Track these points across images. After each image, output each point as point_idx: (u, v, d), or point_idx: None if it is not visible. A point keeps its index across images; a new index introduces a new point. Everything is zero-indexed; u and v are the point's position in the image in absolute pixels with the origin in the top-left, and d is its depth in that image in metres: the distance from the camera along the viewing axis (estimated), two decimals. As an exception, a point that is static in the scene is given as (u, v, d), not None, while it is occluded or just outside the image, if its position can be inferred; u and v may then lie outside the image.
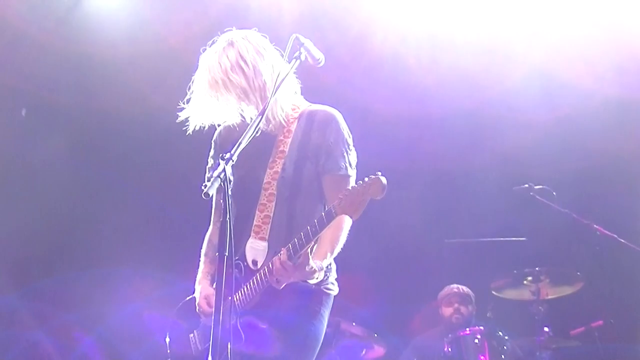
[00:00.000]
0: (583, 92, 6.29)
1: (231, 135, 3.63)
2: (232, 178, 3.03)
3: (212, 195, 3.62)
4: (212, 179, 2.96)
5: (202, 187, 2.92)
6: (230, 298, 3.02)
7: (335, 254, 3.44)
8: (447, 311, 6.67)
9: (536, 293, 6.21)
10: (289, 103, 3.58)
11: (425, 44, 6.31)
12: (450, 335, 6.21)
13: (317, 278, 3.33)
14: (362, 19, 6.23)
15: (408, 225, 7.17)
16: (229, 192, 2.95)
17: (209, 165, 3.77)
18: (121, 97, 6.64)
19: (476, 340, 6.08)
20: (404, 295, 7.20)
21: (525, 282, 6.29)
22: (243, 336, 3.39)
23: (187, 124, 3.59)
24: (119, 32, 6.29)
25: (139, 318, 6.20)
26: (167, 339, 3.79)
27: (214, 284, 3.50)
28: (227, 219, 2.88)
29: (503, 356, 6.06)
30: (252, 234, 3.47)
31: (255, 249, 3.46)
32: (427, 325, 6.89)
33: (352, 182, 3.50)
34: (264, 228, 3.46)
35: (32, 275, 6.86)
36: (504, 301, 6.53)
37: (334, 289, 3.60)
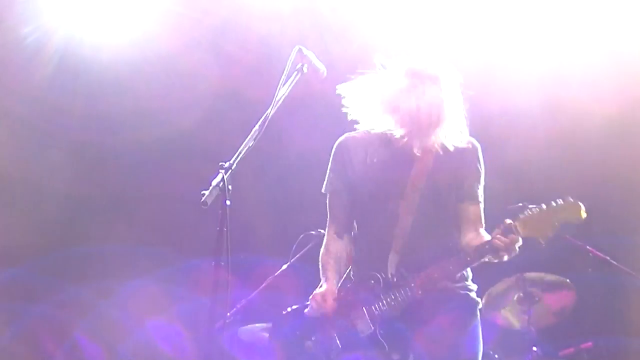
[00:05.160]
0: (583, 112, 6.30)
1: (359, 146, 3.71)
2: (230, 188, 3.03)
3: (334, 206, 3.72)
4: (210, 188, 2.96)
5: (201, 195, 2.92)
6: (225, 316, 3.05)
7: None
8: None
9: (527, 312, 6.20)
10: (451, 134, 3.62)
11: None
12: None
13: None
14: (365, 32, 6.25)
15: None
16: (228, 203, 2.95)
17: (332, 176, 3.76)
18: (121, 101, 6.65)
19: (465, 358, 6.06)
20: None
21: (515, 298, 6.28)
22: (386, 346, 3.43)
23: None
24: (121, 41, 6.28)
25: (141, 297, 6.24)
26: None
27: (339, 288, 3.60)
28: (225, 229, 2.88)
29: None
30: (392, 245, 3.51)
31: (393, 262, 3.51)
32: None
33: (481, 213, 3.66)
34: (400, 242, 3.50)
35: (36, 250, 6.84)
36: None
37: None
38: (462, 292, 3.59)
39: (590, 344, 6.21)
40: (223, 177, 3.00)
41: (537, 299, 6.08)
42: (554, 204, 3.37)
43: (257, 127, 3.26)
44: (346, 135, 3.76)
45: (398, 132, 3.55)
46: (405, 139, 3.56)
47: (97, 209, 7.12)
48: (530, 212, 3.37)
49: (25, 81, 6.50)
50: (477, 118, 6.55)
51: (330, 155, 3.80)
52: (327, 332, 3.56)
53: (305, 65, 3.47)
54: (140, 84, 6.48)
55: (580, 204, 3.34)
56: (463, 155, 3.62)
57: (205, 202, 2.92)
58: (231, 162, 3.07)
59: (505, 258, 3.40)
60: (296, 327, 3.65)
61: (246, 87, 6.28)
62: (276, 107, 3.31)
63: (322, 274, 3.67)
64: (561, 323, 6.38)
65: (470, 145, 3.66)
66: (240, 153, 3.12)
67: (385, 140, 3.66)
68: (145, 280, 6.70)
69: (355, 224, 3.75)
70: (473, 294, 3.65)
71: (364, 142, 3.70)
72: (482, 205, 3.68)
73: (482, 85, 6.33)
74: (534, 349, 6.07)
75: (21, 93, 6.57)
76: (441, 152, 3.60)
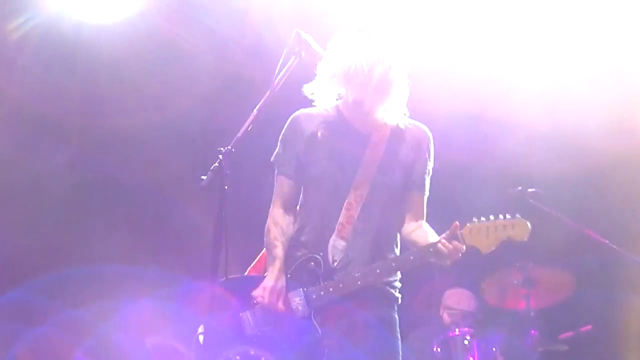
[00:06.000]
0: (582, 99, 6.27)
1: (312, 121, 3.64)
2: (228, 172, 3.04)
3: (281, 180, 3.66)
4: (209, 172, 2.97)
5: (200, 180, 2.94)
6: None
7: None
8: (446, 319, 6.59)
9: (527, 296, 6.21)
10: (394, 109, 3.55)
11: (428, 49, 6.28)
12: (440, 336, 6.21)
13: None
14: (365, 15, 6.20)
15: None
16: (226, 187, 2.95)
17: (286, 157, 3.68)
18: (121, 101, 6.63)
19: (465, 342, 6.08)
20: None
21: (515, 282, 6.29)
22: (319, 331, 3.44)
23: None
24: (117, 25, 6.22)
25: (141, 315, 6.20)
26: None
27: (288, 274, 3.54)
28: (223, 215, 2.89)
29: (492, 358, 6.08)
30: (336, 231, 3.51)
31: (337, 247, 3.50)
32: (417, 323, 6.88)
33: (424, 204, 3.66)
34: (347, 228, 3.50)
35: (36, 270, 6.79)
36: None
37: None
38: (381, 286, 3.57)
39: (589, 327, 6.23)
40: (221, 161, 3.01)
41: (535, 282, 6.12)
42: (502, 217, 3.35)
43: (255, 111, 3.26)
44: (301, 110, 3.70)
45: (350, 97, 3.49)
46: (358, 109, 3.52)
47: (94, 226, 7.06)
48: (477, 222, 3.35)
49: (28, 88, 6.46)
50: (477, 106, 6.61)
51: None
52: (261, 307, 3.53)
53: (304, 49, 3.44)
54: (140, 84, 6.42)
55: (528, 224, 3.31)
56: (414, 143, 3.61)
57: (203, 186, 2.93)
58: (229, 147, 3.07)
59: (448, 263, 3.39)
60: (238, 295, 3.60)
61: (244, 72, 6.26)
62: (274, 91, 3.30)
63: (270, 250, 3.60)
64: (561, 307, 6.40)
65: (422, 133, 3.65)
66: (238, 138, 3.11)
67: (339, 118, 3.62)
68: (144, 299, 6.61)
69: (301, 200, 3.69)
70: (396, 291, 3.64)
71: (318, 118, 3.65)
72: (426, 197, 3.67)
73: (482, 84, 6.37)
74: (534, 332, 6.09)
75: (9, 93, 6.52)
76: (393, 138, 3.59)
